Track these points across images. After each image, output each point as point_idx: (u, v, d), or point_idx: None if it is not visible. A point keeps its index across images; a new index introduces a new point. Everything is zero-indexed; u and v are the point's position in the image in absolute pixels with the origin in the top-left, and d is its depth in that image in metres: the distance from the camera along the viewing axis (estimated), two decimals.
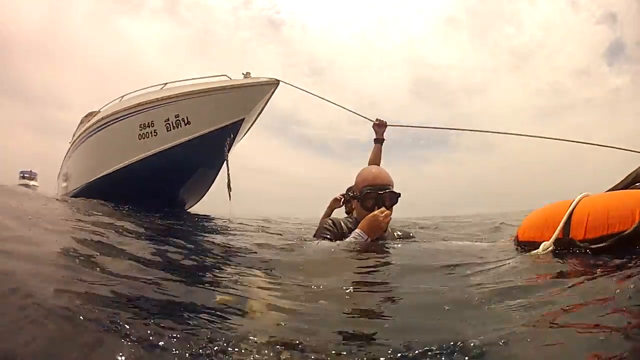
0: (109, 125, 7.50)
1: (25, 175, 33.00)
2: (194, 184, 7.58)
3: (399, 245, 2.62)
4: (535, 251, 2.05)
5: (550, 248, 2.01)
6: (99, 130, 7.83)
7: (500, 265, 1.96)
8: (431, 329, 1.30)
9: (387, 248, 2.54)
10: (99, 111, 8.42)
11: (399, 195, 2.81)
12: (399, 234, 3.00)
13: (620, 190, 2.25)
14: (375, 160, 4.08)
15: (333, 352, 1.14)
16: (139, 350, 1.07)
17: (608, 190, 2.36)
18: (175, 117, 6.71)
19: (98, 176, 7.82)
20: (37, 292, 1.34)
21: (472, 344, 1.09)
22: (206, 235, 4.27)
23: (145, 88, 7.36)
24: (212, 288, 1.78)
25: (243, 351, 1.12)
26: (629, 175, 2.32)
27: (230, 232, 4.77)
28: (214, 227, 5.19)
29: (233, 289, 1.76)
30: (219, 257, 2.63)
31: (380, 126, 4.30)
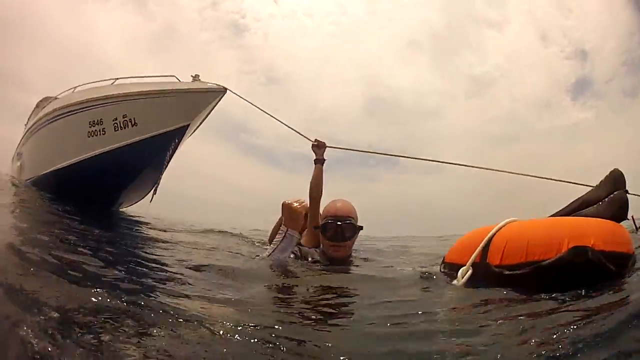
0: (61, 117, 7.37)
1: None
2: (137, 185, 7.50)
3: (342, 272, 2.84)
4: (455, 281, 2.09)
5: (469, 273, 2.05)
6: (51, 122, 7.67)
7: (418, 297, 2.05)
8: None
9: (323, 273, 2.75)
10: (55, 98, 8.23)
11: (360, 228, 3.02)
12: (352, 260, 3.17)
13: (554, 217, 2.30)
14: (317, 182, 4.00)
15: None
16: None
17: (552, 215, 2.40)
18: (123, 117, 6.58)
19: (49, 170, 7.69)
20: None
21: None
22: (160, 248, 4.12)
23: (97, 82, 7.20)
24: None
25: None
26: (575, 200, 2.36)
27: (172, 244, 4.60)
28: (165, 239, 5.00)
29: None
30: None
31: (319, 147, 4.22)
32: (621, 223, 2.13)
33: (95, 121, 6.75)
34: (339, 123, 33.42)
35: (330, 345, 1.42)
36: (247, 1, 28.71)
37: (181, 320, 1.52)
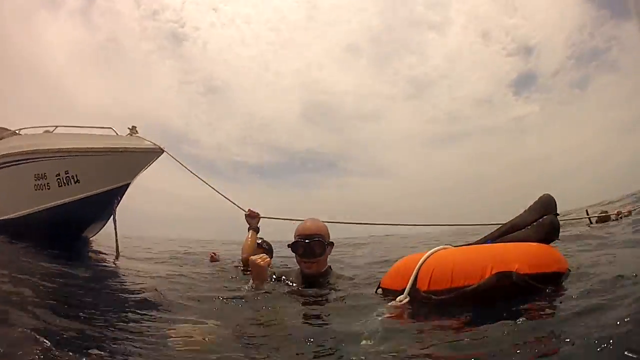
0: (8, 166, 7.23)
1: None
2: (87, 233, 7.71)
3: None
4: (393, 302, 2.17)
5: (406, 300, 2.15)
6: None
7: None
8: None
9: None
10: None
11: (328, 244, 3.16)
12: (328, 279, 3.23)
13: (480, 245, 2.39)
14: (249, 248, 4.15)
15: None
16: None
17: (481, 239, 2.53)
18: (66, 174, 6.62)
19: None
20: None
21: None
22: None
23: (40, 127, 7.31)
24: None
25: None
26: (504, 224, 2.47)
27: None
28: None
29: None
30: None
31: (251, 217, 4.31)
32: (553, 244, 2.28)
33: (40, 175, 6.73)
34: (278, 130, 33.56)
35: None
36: (186, 10, 28.87)
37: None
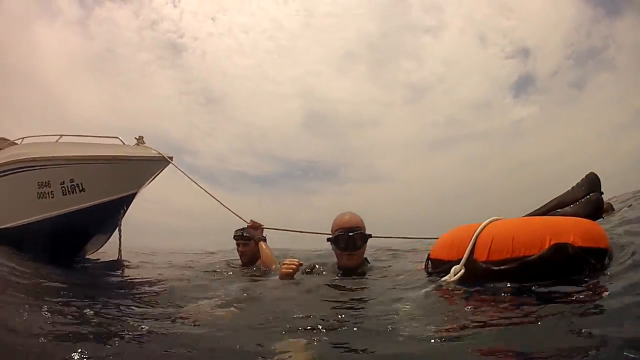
0: (10, 173, 7.06)
1: None
2: (91, 243, 7.36)
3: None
4: (447, 277, 2.12)
5: (462, 272, 2.09)
6: (1, 176, 7.30)
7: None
8: None
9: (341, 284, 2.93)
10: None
11: (368, 236, 3.24)
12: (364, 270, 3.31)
13: (535, 217, 2.37)
14: (265, 260, 4.30)
15: None
16: None
17: (527, 215, 2.48)
18: (71, 182, 6.46)
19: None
20: None
21: None
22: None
23: (44, 135, 7.18)
24: None
25: None
26: (550, 201, 2.46)
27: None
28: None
29: None
30: None
31: (254, 228, 4.43)
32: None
33: (44, 182, 6.59)
34: (277, 139, 33.29)
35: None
36: (184, 20, 28.98)
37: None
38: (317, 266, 3.47)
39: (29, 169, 6.76)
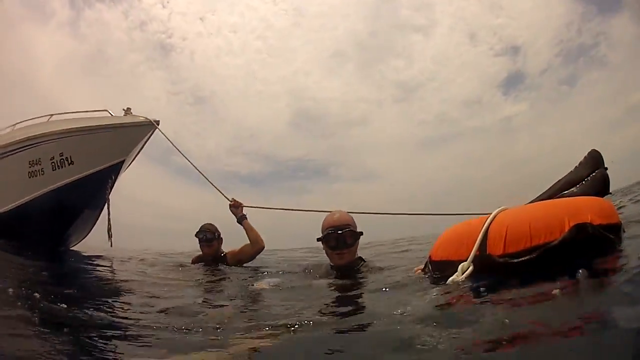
0: (4, 157, 7.03)
1: None
2: (79, 224, 7.33)
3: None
4: (454, 276, 1.98)
5: (470, 269, 1.95)
6: None
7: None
8: None
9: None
10: None
11: (359, 234, 3.24)
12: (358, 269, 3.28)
13: (544, 201, 2.29)
14: (254, 238, 4.63)
15: None
16: None
17: (532, 201, 2.38)
18: (60, 156, 6.45)
19: None
20: None
21: None
22: None
23: (35, 118, 7.04)
24: None
25: None
26: (557, 182, 2.40)
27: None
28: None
29: None
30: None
31: (235, 207, 4.72)
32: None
33: (35, 161, 6.60)
34: (267, 139, 33.44)
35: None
36: (174, 20, 28.39)
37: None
38: (311, 270, 3.50)
39: (20, 149, 6.71)
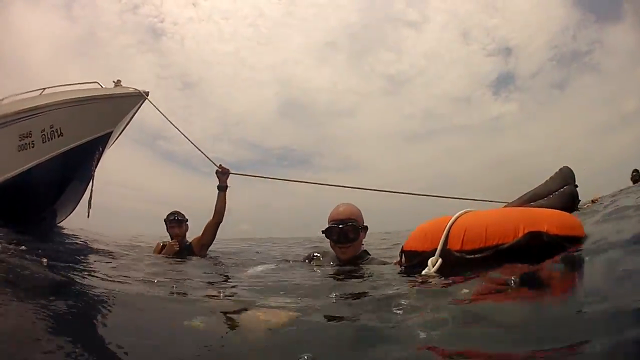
0: None
1: None
2: (66, 198, 7.29)
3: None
4: (426, 270, 2.17)
5: (439, 262, 2.15)
6: None
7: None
8: None
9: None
10: None
11: (362, 228, 3.19)
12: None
13: (508, 208, 2.52)
14: (220, 209, 4.61)
15: None
16: None
17: (505, 206, 2.65)
18: (50, 128, 6.45)
19: None
20: None
21: None
22: None
23: (26, 92, 7.01)
24: None
25: None
26: (525, 193, 2.60)
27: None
28: None
29: None
30: None
31: (223, 173, 4.69)
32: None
33: (25, 134, 6.59)
34: (253, 126, 33.37)
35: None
36: (166, 5, 28.18)
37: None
38: (317, 255, 3.43)
39: (11, 122, 6.70)
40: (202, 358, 1.44)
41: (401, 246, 2.57)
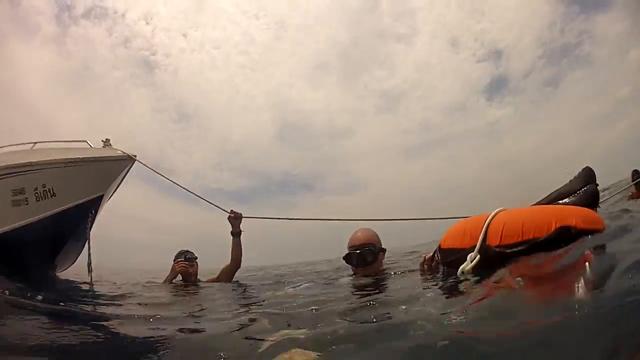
0: None
1: None
2: (64, 256, 7.21)
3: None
4: (463, 265, 2.26)
5: (477, 258, 2.25)
6: None
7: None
8: None
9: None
10: None
11: (379, 250, 3.40)
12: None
13: (539, 205, 2.67)
14: (236, 255, 4.58)
15: None
16: None
17: (533, 205, 2.75)
18: (43, 187, 6.42)
19: None
20: None
21: None
22: None
23: (18, 144, 7.10)
24: None
25: None
26: (551, 193, 2.77)
27: None
28: None
29: None
30: None
31: (235, 218, 4.63)
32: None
33: (18, 190, 6.50)
34: (253, 154, 33.20)
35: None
36: (157, 37, 28.77)
37: None
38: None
39: (3, 177, 6.59)
40: None
41: (438, 245, 2.73)
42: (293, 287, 3.55)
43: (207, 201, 5.19)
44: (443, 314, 1.67)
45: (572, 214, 2.21)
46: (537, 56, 28.26)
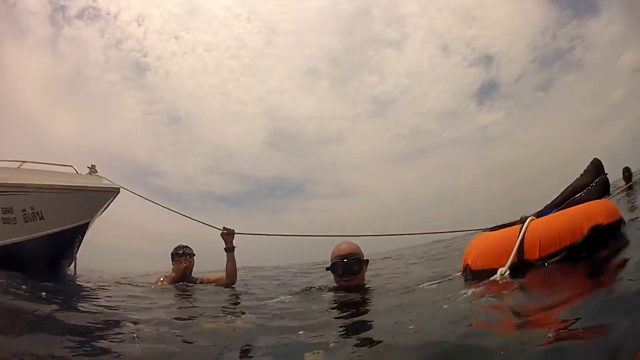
0: None
1: None
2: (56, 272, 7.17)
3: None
4: (493, 277, 2.32)
5: (507, 273, 2.31)
6: None
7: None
8: None
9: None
10: None
11: (365, 261, 3.51)
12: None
13: (567, 209, 2.67)
14: (231, 271, 4.62)
15: None
16: None
17: (546, 205, 2.87)
18: (31, 209, 6.48)
19: None
20: None
21: None
22: None
23: (6, 160, 7.09)
24: None
25: None
26: (567, 187, 2.85)
27: None
28: None
29: None
30: None
31: (228, 234, 4.61)
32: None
33: (7, 209, 6.53)
34: (243, 158, 32.95)
35: None
36: (149, 39, 27.93)
37: None
38: (314, 288, 3.71)
39: None
40: None
41: (464, 267, 2.78)
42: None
43: (200, 221, 5.21)
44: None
45: (596, 211, 2.37)
46: (528, 60, 28.17)
